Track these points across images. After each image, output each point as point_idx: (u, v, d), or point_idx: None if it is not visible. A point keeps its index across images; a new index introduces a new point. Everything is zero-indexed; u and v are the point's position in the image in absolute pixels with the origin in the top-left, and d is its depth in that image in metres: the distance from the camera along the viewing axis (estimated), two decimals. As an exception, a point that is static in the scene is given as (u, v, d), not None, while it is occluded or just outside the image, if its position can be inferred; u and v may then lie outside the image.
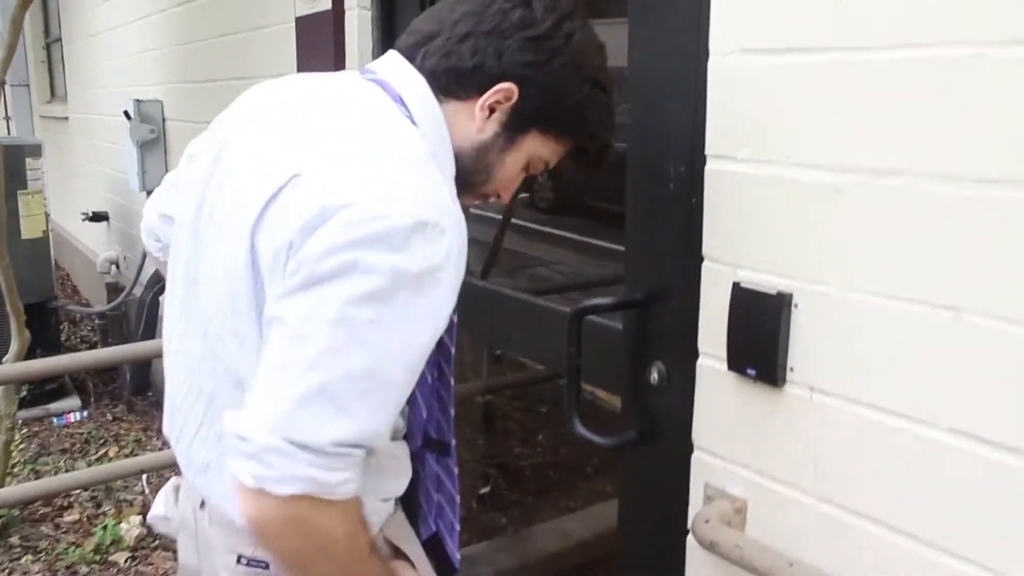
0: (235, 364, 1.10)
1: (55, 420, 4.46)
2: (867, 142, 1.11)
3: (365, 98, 1.11)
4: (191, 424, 1.20)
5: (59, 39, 7.58)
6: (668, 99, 1.43)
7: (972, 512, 1.05)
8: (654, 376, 1.52)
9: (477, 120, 1.14)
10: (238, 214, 1.05)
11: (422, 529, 1.37)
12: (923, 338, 1.07)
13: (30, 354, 4.08)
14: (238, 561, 1.18)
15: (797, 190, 1.20)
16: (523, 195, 2.22)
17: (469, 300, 2.09)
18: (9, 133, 8.79)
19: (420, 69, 1.14)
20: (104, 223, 5.85)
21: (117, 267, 5.45)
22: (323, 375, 0.94)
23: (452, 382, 1.28)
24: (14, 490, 2.70)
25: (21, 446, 4.03)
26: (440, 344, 1.18)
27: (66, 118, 7.24)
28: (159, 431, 4.48)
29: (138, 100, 4.27)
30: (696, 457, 1.43)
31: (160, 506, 1.35)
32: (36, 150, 4.66)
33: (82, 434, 4.30)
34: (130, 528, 3.30)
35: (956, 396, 1.05)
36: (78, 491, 3.60)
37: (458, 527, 1.37)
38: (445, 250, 0.98)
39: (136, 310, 4.54)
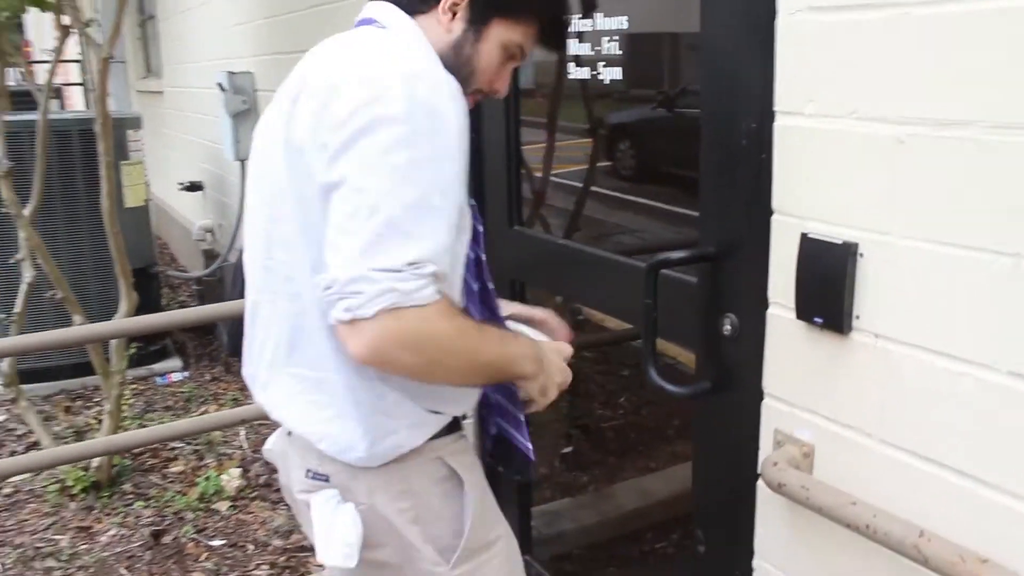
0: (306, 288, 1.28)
1: (158, 380, 4.72)
2: (929, 94, 1.14)
3: (360, 33, 1.33)
4: (266, 358, 1.40)
5: (153, 16, 7.86)
6: (739, 58, 1.47)
7: (1031, 451, 1.09)
8: (727, 327, 1.57)
9: (444, 23, 1.33)
10: (272, 130, 1.32)
11: (486, 436, 1.55)
12: (984, 285, 1.11)
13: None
14: (306, 475, 1.37)
15: (861, 143, 1.24)
16: (605, 163, 2.25)
17: (549, 257, 2.18)
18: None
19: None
20: (199, 192, 6.11)
21: (212, 234, 5.69)
22: (386, 212, 1.13)
23: (489, 281, 1.44)
24: (129, 436, 2.91)
25: (130, 401, 4.29)
26: (476, 232, 1.38)
27: (161, 92, 7.54)
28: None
29: (230, 72, 4.44)
30: (766, 404, 1.48)
31: (270, 441, 1.55)
32: (136, 122, 4.89)
33: (183, 393, 4.54)
34: (230, 479, 3.51)
35: (1016, 341, 1.08)
36: (182, 445, 3.83)
37: (523, 419, 1.48)
38: (445, 92, 1.19)
39: (231, 275, 4.75)
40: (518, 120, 2.29)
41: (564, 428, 3.71)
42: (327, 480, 1.35)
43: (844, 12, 1.24)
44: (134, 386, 4.52)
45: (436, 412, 1.36)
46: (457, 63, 1.33)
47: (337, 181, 1.17)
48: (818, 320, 1.34)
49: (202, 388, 4.61)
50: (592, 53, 1.96)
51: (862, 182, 1.25)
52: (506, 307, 1.57)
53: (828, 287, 1.31)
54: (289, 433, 1.43)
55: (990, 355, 1.12)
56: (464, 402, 1.43)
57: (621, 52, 1.89)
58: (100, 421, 3.73)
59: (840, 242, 1.29)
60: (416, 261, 1.13)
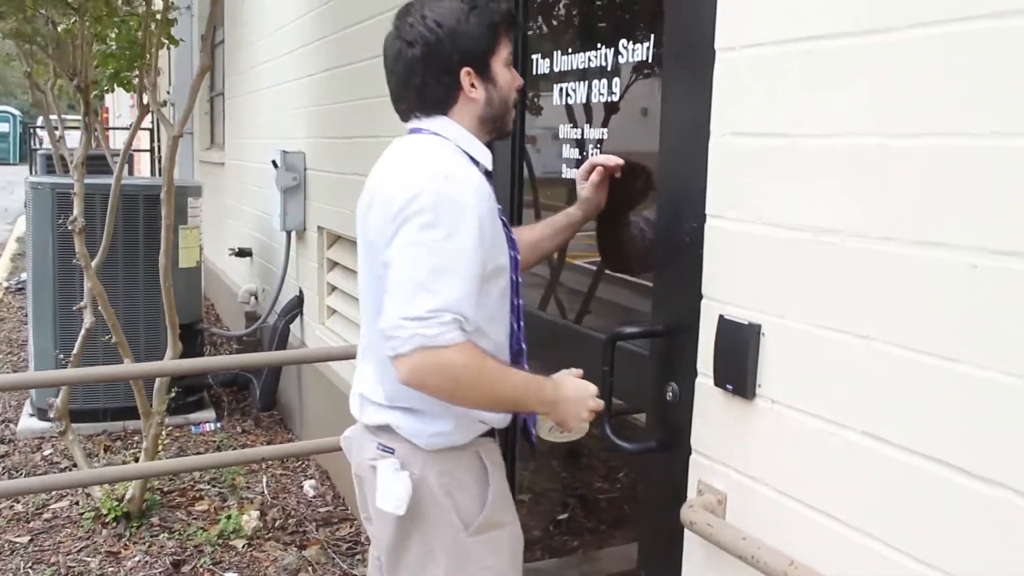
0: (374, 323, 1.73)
1: (193, 429, 5.06)
2: (811, 207, 1.45)
3: (409, 141, 1.77)
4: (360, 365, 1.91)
5: (221, 93, 8.48)
6: (686, 170, 1.80)
7: (883, 499, 1.35)
8: (669, 394, 1.86)
9: (472, 97, 1.74)
10: (360, 231, 1.81)
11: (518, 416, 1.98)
12: (844, 360, 1.40)
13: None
14: (377, 447, 1.80)
15: (765, 243, 1.55)
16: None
17: (543, 333, 2.48)
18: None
19: (419, 113, 1.78)
20: (248, 258, 6.54)
21: (256, 298, 6.09)
22: (415, 277, 1.57)
23: (520, 303, 1.88)
24: (160, 464, 3.21)
25: (165, 442, 4.62)
26: (515, 281, 1.82)
27: (222, 163, 8.08)
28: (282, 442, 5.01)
29: (284, 151, 4.88)
30: (693, 459, 1.76)
31: (348, 431, 1.97)
32: (197, 191, 5.35)
33: (215, 442, 4.87)
34: (249, 520, 3.79)
35: (866, 406, 1.36)
36: (208, 487, 4.14)
37: (536, 417, 1.97)
38: (462, 188, 1.62)
39: (269, 334, 5.12)
40: (520, 200, 2.62)
41: (562, 497, 3.94)
42: (392, 453, 1.78)
43: (755, 139, 1.56)
44: (171, 432, 4.85)
45: (482, 422, 1.80)
46: (495, 110, 1.78)
47: (388, 260, 1.63)
48: (730, 387, 1.63)
49: (232, 439, 4.93)
50: (579, 157, 2.30)
51: (766, 274, 1.55)
52: None
53: (738, 360, 1.60)
54: (366, 426, 1.87)
55: (849, 417, 1.39)
56: (502, 419, 1.85)
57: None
58: (137, 460, 4.05)
59: (747, 323, 1.58)
60: (436, 309, 1.54)
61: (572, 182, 2.15)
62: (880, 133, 1.33)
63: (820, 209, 1.44)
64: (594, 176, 2.03)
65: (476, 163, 1.75)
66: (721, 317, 1.64)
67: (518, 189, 2.63)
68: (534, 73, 2.48)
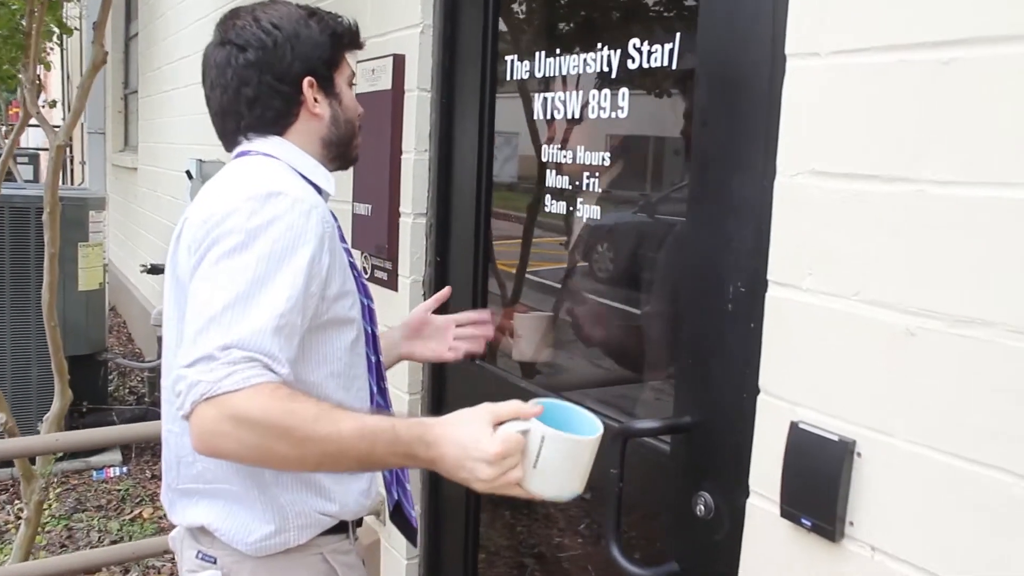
0: None
1: (95, 474, 4.44)
2: (945, 284, 1.01)
3: (234, 165, 1.44)
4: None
5: (136, 91, 7.82)
6: (727, 216, 1.35)
7: None
8: (700, 507, 1.41)
9: (315, 114, 1.47)
10: (168, 269, 1.43)
11: (387, 500, 1.65)
12: (990, 506, 0.95)
13: (78, 405, 4.11)
14: (196, 555, 1.45)
15: (865, 328, 1.10)
16: (583, 263, 2.13)
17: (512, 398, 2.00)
18: (83, 179, 9.03)
19: (251, 133, 1.47)
20: (161, 276, 5.92)
21: (170, 320, 5.48)
22: (209, 311, 1.20)
23: (381, 359, 1.58)
24: (35, 565, 2.65)
25: (58, 492, 4.02)
26: (370, 334, 1.52)
27: (135, 168, 7.42)
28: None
29: (200, 160, 4.32)
30: (742, 608, 1.30)
31: (174, 531, 1.57)
32: (100, 203, 4.73)
33: (120, 491, 4.26)
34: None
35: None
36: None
37: (409, 488, 1.64)
38: (287, 204, 1.29)
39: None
40: (488, 258, 2.15)
41: (518, 557, 3.49)
42: (214, 562, 1.43)
43: (850, 181, 1.11)
44: (67, 480, 4.24)
45: (324, 515, 1.44)
46: (341, 132, 1.51)
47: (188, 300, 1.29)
48: (806, 521, 1.18)
49: (140, 486, 4.33)
50: (570, 187, 1.84)
51: (864, 373, 1.11)
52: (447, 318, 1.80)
53: (819, 486, 1.16)
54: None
55: (1006, 593, 0.95)
56: (355, 506, 1.49)
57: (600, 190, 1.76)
58: (20, 519, 3.45)
59: (836, 438, 1.13)
60: (224, 346, 1.17)
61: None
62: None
63: (959, 289, 0.99)
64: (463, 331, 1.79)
65: (319, 191, 1.46)
66: (794, 426, 1.19)
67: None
68: (509, 77, 2.01)
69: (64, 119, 3.14)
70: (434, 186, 2.26)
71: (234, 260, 1.24)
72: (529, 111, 1.96)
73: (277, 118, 1.45)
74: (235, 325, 1.19)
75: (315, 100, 1.47)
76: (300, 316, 1.27)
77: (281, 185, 1.33)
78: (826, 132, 1.14)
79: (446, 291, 1.88)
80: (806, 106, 1.16)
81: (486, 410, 1.21)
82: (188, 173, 4.28)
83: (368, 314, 1.52)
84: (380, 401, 1.56)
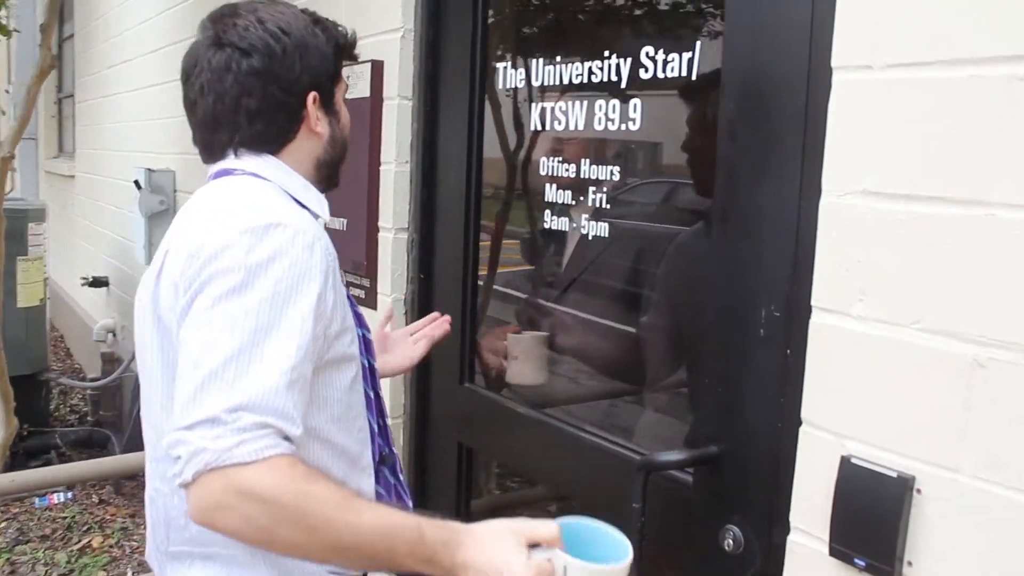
0: None
1: (37, 501, 4.20)
2: (1018, 313, 0.95)
3: (219, 187, 1.30)
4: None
5: (72, 95, 7.51)
6: (761, 234, 1.28)
7: None
8: (728, 541, 1.34)
9: (316, 132, 1.35)
10: (145, 306, 1.28)
11: None
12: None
13: (19, 427, 3.89)
14: None
15: (928, 359, 1.03)
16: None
17: (509, 424, 1.91)
18: (13, 187, 8.65)
19: (243, 149, 1.32)
20: (104, 289, 5.68)
21: (114, 335, 5.26)
22: (208, 364, 1.06)
23: (382, 395, 1.44)
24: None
25: (0, 526, 3.80)
26: (367, 367, 1.38)
27: (72, 176, 7.13)
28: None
29: (150, 169, 4.14)
30: (782, 652, 1.23)
31: None
32: (40, 214, 4.52)
33: (65, 518, 4.03)
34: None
35: None
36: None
37: None
38: (289, 237, 1.15)
39: (134, 387, 4.33)
40: (476, 274, 2.06)
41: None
42: None
43: (909, 203, 1.05)
44: (6, 510, 4.01)
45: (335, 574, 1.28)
46: (336, 153, 1.40)
47: (180, 343, 1.14)
48: (859, 561, 1.11)
49: (87, 513, 4.11)
50: (573, 202, 1.75)
51: (926, 405, 1.04)
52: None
53: (875, 524, 1.09)
54: None
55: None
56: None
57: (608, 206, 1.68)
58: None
59: (895, 474, 1.07)
60: (233, 408, 1.04)
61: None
62: None
63: (1039, 318, 0.93)
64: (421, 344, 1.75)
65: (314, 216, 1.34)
66: (846, 460, 1.12)
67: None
68: (501, 86, 1.92)
69: None
70: (417, 199, 2.15)
71: (233, 303, 1.10)
72: (516, 120, 1.88)
73: (278, 135, 1.33)
74: (241, 382, 1.06)
75: (317, 118, 1.35)
76: (310, 365, 1.15)
77: (280, 215, 1.19)
78: (881, 151, 1.07)
79: (390, 308, 1.90)
80: (857, 123, 1.10)
81: (516, 530, 1.11)
82: (137, 183, 4.10)
83: (365, 345, 1.39)
84: (381, 443, 1.42)
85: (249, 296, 1.10)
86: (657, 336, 1.84)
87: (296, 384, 1.09)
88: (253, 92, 1.28)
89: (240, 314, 1.09)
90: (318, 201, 1.37)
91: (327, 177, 1.42)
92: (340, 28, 1.40)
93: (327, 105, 1.37)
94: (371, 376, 1.40)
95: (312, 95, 1.33)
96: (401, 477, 1.47)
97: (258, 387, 1.06)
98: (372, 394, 1.40)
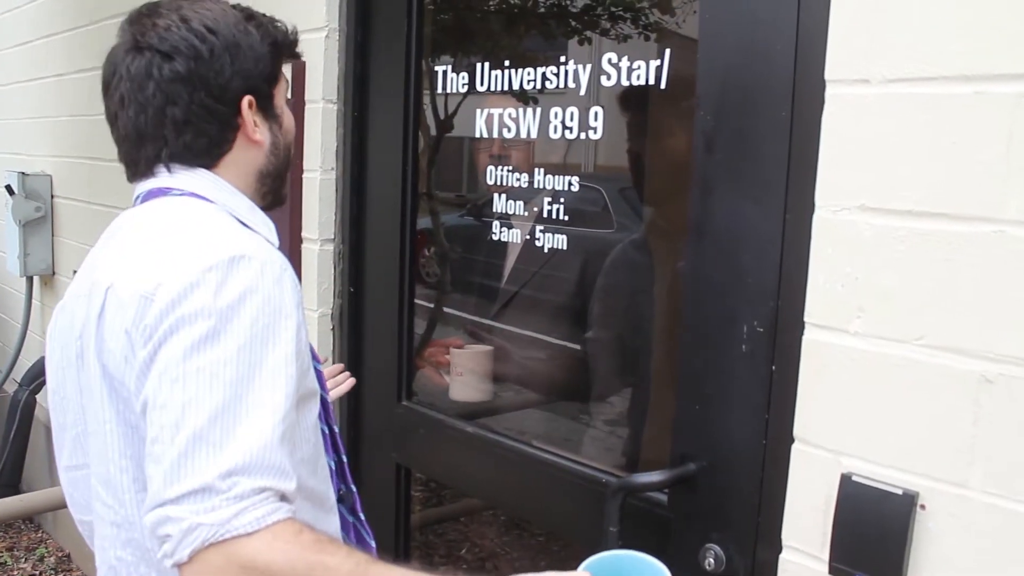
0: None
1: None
2: (1029, 330, 0.95)
3: (158, 210, 1.19)
4: None
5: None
6: (741, 249, 1.25)
7: None
8: (710, 561, 1.31)
9: (255, 141, 1.24)
10: (74, 348, 1.17)
11: None
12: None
13: None
14: None
15: (932, 375, 1.03)
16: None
17: (452, 444, 1.84)
18: None
19: (175, 164, 1.21)
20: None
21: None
22: (192, 425, 0.96)
23: (332, 430, 1.33)
24: None
25: None
26: (322, 401, 1.27)
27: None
28: (27, 549, 3.94)
29: (23, 173, 3.84)
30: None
31: None
32: None
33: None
34: None
35: None
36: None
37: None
38: (257, 271, 1.05)
39: (8, 411, 4.00)
40: (412, 288, 1.97)
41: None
42: None
43: (911, 219, 1.04)
44: None
45: None
46: (279, 162, 1.30)
47: (144, 402, 1.03)
48: (861, 579, 1.10)
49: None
50: (524, 214, 1.70)
51: (930, 421, 1.03)
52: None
53: (879, 542, 1.08)
54: None
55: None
56: None
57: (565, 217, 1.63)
58: None
59: (900, 491, 1.06)
60: (227, 473, 0.94)
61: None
62: None
63: (1051, 334, 0.94)
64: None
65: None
66: (847, 478, 1.10)
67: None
68: (445, 90, 1.84)
69: None
70: (344, 209, 2.05)
71: (208, 354, 0.99)
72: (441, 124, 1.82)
73: (211, 146, 1.21)
74: (230, 443, 0.96)
75: (255, 124, 1.24)
76: (295, 411, 1.05)
77: (243, 246, 1.09)
78: (880, 166, 1.06)
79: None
80: (854, 138, 1.08)
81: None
82: (9, 188, 3.79)
83: (320, 379, 1.29)
84: (339, 484, 1.33)
85: (224, 344, 1.00)
86: (598, 350, 1.81)
87: (287, 434, 1.01)
88: (178, 100, 1.17)
89: (219, 366, 0.98)
90: (264, 224, 1.26)
91: (273, 190, 1.31)
92: (278, 24, 1.29)
93: (266, 109, 1.26)
94: (325, 411, 1.30)
95: (247, 100, 1.21)
96: (362, 516, 1.38)
97: (250, 446, 0.96)
98: (327, 430, 1.31)
